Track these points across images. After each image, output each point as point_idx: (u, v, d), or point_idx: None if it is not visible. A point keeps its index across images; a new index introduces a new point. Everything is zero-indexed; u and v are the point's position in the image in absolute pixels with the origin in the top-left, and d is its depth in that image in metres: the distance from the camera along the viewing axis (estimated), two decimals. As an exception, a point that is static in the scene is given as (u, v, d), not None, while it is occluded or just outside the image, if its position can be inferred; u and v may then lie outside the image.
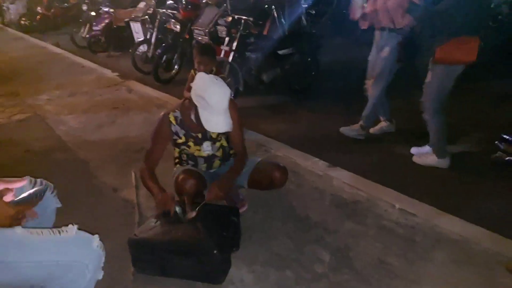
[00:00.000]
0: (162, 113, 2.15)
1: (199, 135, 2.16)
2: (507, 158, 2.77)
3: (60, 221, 1.40)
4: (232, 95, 4.48)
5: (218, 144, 2.21)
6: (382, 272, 1.86)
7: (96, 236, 1.25)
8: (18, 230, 1.14)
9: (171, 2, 6.24)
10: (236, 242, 2.02)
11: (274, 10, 5.34)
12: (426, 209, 2.31)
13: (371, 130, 3.59)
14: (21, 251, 1.10)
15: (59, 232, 1.19)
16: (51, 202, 1.53)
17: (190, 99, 2.01)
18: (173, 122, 2.13)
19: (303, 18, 5.80)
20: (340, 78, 5.25)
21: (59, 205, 1.57)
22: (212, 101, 1.89)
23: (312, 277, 1.85)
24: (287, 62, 4.90)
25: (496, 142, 2.92)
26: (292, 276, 1.86)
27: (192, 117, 2.03)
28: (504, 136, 2.87)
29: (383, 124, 3.61)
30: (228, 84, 4.45)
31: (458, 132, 3.44)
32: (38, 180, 1.52)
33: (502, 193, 2.59)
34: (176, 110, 2.14)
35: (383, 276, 1.84)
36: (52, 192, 1.55)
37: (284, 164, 2.89)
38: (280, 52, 4.88)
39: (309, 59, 5.10)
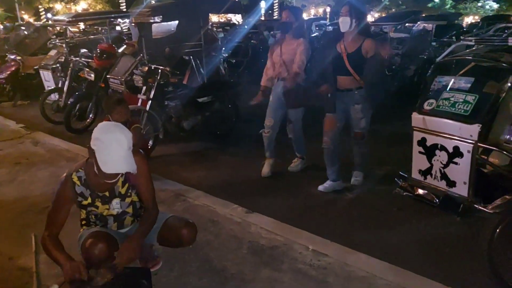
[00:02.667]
0: (64, 174, 2.00)
1: (107, 193, 2.04)
2: (404, 193, 3.07)
3: None
4: (151, 144, 4.44)
5: (128, 200, 2.11)
6: (298, 319, 1.87)
7: None
8: None
9: (85, 50, 6.09)
10: (148, 306, 1.89)
11: (193, 59, 5.50)
12: (337, 249, 2.42)
13: (289, 168, 3.89)
14: None
15: None
16: None
17: (91, 154, 1.91)
18: (77, 183, 1.99)
19: (221, 67, 6.03)
20: (259, 123, 5.46)
21: None
22: (108, 139, 1.81)
23: (228, 334, 1.78)
24: (207, 110, 4.99)
25: (395, 179, 3.23)
26: (208, 336, 1.77)
27: (95, 169, 1.93)
28: (401, 173, 3.19)
29: (298, 161, 3.88)
30: (147, 133, 4.43)
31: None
32: None
33: (402, 226, 2.84)
34: (80, 170, 2.01)
35: (298, 322, 1.85)
36: None
37: (202, 213, 2.89)
38: (200, 100, 4.97)
39: (229, 106, 5.26)
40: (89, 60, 5.70)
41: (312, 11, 35.63)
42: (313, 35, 12.07)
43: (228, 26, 13.31)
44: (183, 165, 4.18)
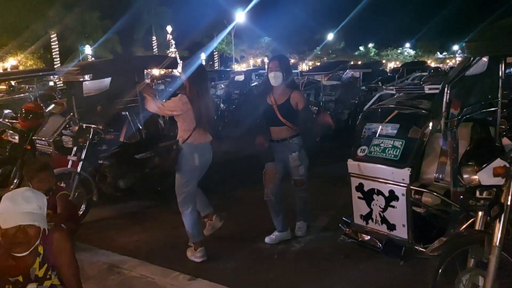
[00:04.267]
0: None
1: (20, 278, 1.76)
2: (349, 240, 3.06)
3: None
4: (83, 209, 4.08)
5: (47, 283, 1.83)
6: None
7: None
8: None
9: (9, 111, 5.67)
10: None
11: (129, 115, 5.33)
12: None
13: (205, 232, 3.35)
14: None
15: None
16: None
17: None
18: None
19: (160, 120, 5.92)
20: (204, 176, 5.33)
21: None
22: (11, 198, 1.64)
23: None
24: (146, 166, 4.78)
25: (340, 225, 3.23)
26: None
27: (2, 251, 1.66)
28: (345, 219, 3.21)
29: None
30: (79, 196, 4.07)
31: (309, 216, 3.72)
32: None
33: (350, 274, 2.80)
34: None
35: None
36: None
37: (140, 286, 2.62)
38: (138, 156, 4.76)
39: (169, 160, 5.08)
40: (14, 121, 5.27)
41: (251, 62, 37.42)
42: (252, 84, 12.56)
43: (169, 78, 13.40)
44: (120, 229, 3.86)
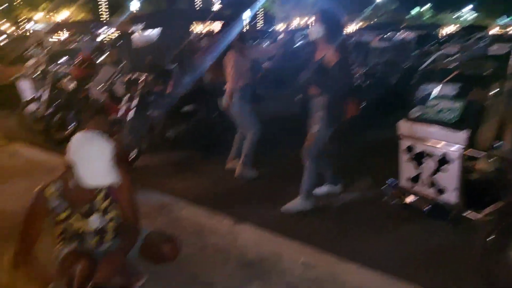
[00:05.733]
0: (36, 190, 1.89)
1: (85, 208, 1.93)
2: (393, 202, 3.03)
3: None
4: (134, 155, 4.31)
5: (108, 215, 2.00)
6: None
7: None
8: None
9: (65, 59, 5.93)
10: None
11: (176, 68, 5.41)
12: (327, 259, 2.36)
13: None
14: None
15: None
16: None
17: (69, 166, 1.80)
18: (51, 196, 1.88)
19: (204, 75, 5.95)
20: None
21: None
22: (87, 150, 1.75)
23: None
24: (191, 119, 4.91)
25: (383, 187, 3.19)
26: None
27: (73, 182, 1.82)
28: (389, 181, 3.16)
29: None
30: (129, 144, 4.30)
31: (348, 179, 3.71)
32: None
33: (392, 235, 2.79)
34: (56, 183, 1.90)
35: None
36: None
37: (187, 225, 2.78)
38: (183, 109, 4.88)
39: (213, 114, 5.18)
40: (69, 70, 5.54)
41: (296, 21, 36.12)
42: (296, 44, 12.20)
43: (210, 35, 13.31)
44: (167, 175, 4.07)
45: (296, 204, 3.16)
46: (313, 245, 2.51)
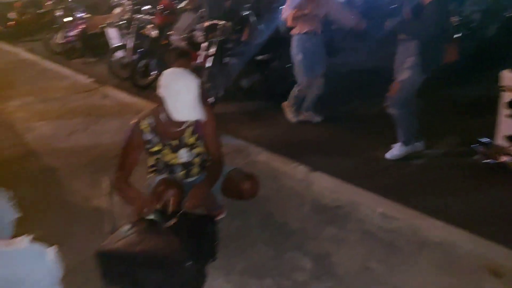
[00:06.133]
0: (133, 122, 2.04)
1: (175, 142, 2.06)
2: (485, 161, 2.78)
3: (23, 233, 1.27)
4: (213, 100, 4.45)
5: (195, 150, 2.11)
6: (365, 279, 1.79)
7: (52, 248, 1.13)
8: (-40, 243, 1.02)
9: (148, 7, 6.13)
10: (212, 252, 1.91)
11: (252, 15, 5.31)
12: (408, 213, 2.27)
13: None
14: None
15: (9, 245, 1.07)
16: (7, 212, 1.41)
17: (160, 100, 1.90)
18: (146, 130, 2.02)
19: (280, 24, 5.78)
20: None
21: (17, 215, 1.44)
22: (178, 86, 1.80)
23: (293, 285, 1.76)
24: (266, 68, 4.86)
25: (472, 145, 2.93)
26: (272, 285, 1.77)
27: (164, 117, 1.92)
28: (480, 140, 2.88)
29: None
30: (206, 90, 4.43)
31: (433, 136, 3.46)
32: None
33: (479, 195, 2.57)
34: (149, 117, 2.03)
35: (366, 282, 1.77)
36: (8, 202, 1.42)
37: (263, 169, 2.85)
38: (259, 57, 4.84)
39: (288, 64, 5.07)
40: (152, 17, 5.74)
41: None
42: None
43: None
44: (241, 123, 4.15)
45: (397, 150, 3.07)
46: (392, 198, 2.43)
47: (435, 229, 2.11)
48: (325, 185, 2.60)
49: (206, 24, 4.54)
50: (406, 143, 3.06)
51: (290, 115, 3.96)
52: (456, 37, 5.57)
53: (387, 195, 2.47)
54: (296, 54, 3.74)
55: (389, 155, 3.09)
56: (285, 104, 4.02)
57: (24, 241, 1.08)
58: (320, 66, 3.81)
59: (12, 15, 10.72)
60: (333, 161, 3.11)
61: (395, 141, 3.13)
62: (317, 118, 4.06)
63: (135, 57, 5.32)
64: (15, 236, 1.37)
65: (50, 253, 1.11)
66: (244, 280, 1.80)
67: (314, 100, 4.04)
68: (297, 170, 2.82)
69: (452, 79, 4.66)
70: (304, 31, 3.63)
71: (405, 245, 2.00)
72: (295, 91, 3.92)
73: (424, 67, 2.73)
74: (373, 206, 2.34)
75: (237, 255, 1.96)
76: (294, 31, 3.71)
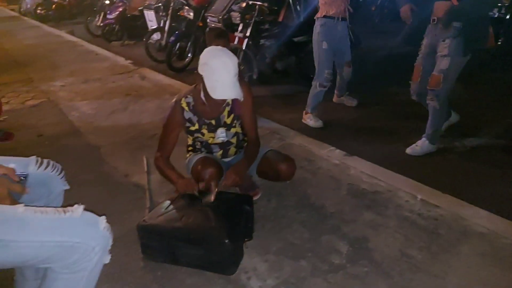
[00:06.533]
0: (174, 100, 2.06)
1: (213, 121, 2.07)
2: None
3: (69, 204, 1.34)
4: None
5: (233, 130, 2.12)
6: (404, 265, 1.75)
7: (103, 217, 1.18)
8: (20, 208, 1.08)
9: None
10: (249, 232, 1.93)
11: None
12: (449, 200, 2.18)
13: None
14: (22, 230, 1.04)
15: (64, 212, 1.12)
16: (58, 183, 1.49)
17: (199, 79, 1.90)
18: (186, 108, 2.04)
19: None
20: (356, 66, 5.08)
21: (67, 187, 1.52)
22: (216, 64, 1.77)
23: (328, 268, 1.75)
24: (302, 50, 4.76)
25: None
26: (308, 266, 1.77)
27: (202, 96, 1.93)
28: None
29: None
30: (241, 72, 4.41)
31: (477, 123, 3.29)
32: (45, 160, 1.47)
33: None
34: (188, 96, 2.05)
35: (404, 269, 1.73)
36: (59, 174, 1.49)
37: (299, 152, 2.83)
38: (295, 39, 4.75)
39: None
40: (188, -1, 5.75)
41: None
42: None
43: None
44: (275, 106, 4.13)
45: (421, 146, 2.89)
46: (432, 185, 2.35)
47: (478, 218, 2.02)
48: (362, 170, 2.55)
49: (243, 4, 4.49)
50: (432, 140, 2.87)
51: (312, 121, 3.52)
52: (505, 20, 5.21)
53: (427, 182, 2.39)
54: (319, 41, 3.39)
55: (410, 150, 2.91)
56: (304, 115, 3.60)
57: (78, 210, 1.13)
58: (346, 54, 3.59)
59: (56, -2, 11.15)
60: (370, 146, 3.05)
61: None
62: (353, 102, 3.95)
63: (171, 39, 5.38)
64: (63, 207, 1.45)
65: (102, 222, 1.16)
66: (280, 260, 1.81)
67: (346, 85, 3.91)
68: (333, 154, 2.78)
69: (494, 64, 4.41)
70: (330, 14, 3.34)
71: (447, 234, 1.93)
72: (313, 89, 3.54)
73: (465, 49, 2.53)
74: (413, 193, 2.27)
75: (273, 235, 1.97)
76: (318, 15, 3.40)
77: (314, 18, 3.51)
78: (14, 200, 1.15)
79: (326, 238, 1.94)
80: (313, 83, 3.54)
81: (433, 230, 1.96)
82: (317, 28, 3.38)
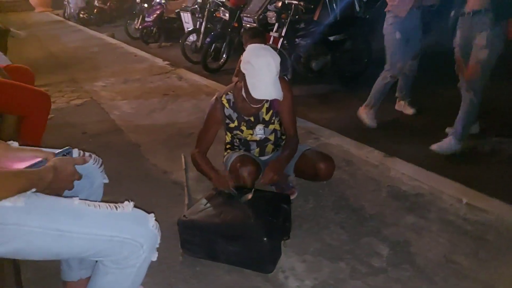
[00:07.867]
0: (215, 96, 2.09)
1: (252, 118, 2.08)
2: None
3: (109, 199, 1.38)
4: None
5: (271, 127, 2.12)
6: (448, 271, 1.68)
7: (152, 215, 1.21)
8: (76, 201, 1.13)
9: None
10: (286, 231, 1.93)
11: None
12: (498, 205, 2.07)
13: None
14: (76, 221, 1.09)
15: (116, 208, 1.16)
16: (99, 176, 1.50)
17: (240, 77, 1.91)
18: (226, 105, 2.07)
19: (356, 2, 5.51)
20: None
21: (106, 180, 1.52)
22: (259, 64, 1.77)
23: (368, 271, 1.71)
24: (338, 49, 4.69)
25: None
26: (347, 268, 1.73)
27: (243, 93, 1.94)
28: None
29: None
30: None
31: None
32: (87, 153, 1.50)
33: None
34: (229, 93, 2.07)
35: (449, 275, 1.66)
36: (100, 167, 1.52)
37: (336, 152, 2.78)
38: (331, 38, 4.68)
39: (361, 45, 4.85)
40: (224, 0, 5.83)
41: None
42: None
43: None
44: (311, 106, 4.09)
45: (447, 144, 2.80)
46: (478, 189, 2.23)
47: (532, 225, 1.90)
48: (403, 172, 2.47)
49: (279, 3, 4.49)
50: (460, 138, 2.75)
51: (369, 119, 3.43)
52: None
53: (472, 186, 2.28)
54: (392, 32, 3.32)
55: (437, 147, 2.80)
56: (361, 109, 3.50)
57: (129, 206, 1.17)
58: (418, 47, 3.44)
59: (98, 2, 11.66)
60: (410, 148, 2.95)
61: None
62: (411, 110, 3.68)
63: (206, 40, 5.47)
64: (103, 201, 1.49)
65: (151, 220, 1.19)
66: (318, 261, 1.79)
67: (410, 85, 3.68)
68: (372, 155, 2.71)
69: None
70: (402, 6, 3.19)
71: (496, 240, 1.83)
72: (381, 80, 3.40)
73: (501, 39, 2.49)
74: (457, 196, 2.17)
75: (311, 236, 1.95)
76: (389, 7, 3.30)
77: (385, 11, 3.39)
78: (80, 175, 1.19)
79: (365, 241, 1.89)
80: (383, 74, 3.42)
81: (480, 236, 1.86)
82: (389, 20, 3.31)
